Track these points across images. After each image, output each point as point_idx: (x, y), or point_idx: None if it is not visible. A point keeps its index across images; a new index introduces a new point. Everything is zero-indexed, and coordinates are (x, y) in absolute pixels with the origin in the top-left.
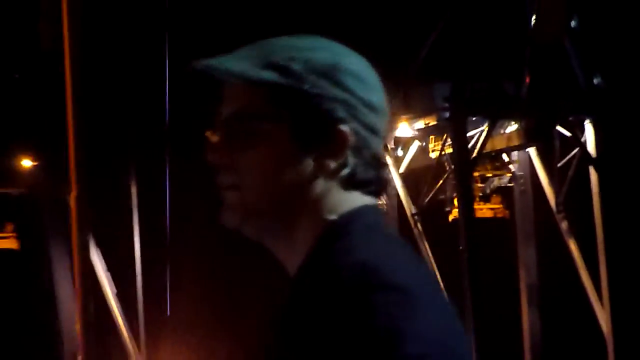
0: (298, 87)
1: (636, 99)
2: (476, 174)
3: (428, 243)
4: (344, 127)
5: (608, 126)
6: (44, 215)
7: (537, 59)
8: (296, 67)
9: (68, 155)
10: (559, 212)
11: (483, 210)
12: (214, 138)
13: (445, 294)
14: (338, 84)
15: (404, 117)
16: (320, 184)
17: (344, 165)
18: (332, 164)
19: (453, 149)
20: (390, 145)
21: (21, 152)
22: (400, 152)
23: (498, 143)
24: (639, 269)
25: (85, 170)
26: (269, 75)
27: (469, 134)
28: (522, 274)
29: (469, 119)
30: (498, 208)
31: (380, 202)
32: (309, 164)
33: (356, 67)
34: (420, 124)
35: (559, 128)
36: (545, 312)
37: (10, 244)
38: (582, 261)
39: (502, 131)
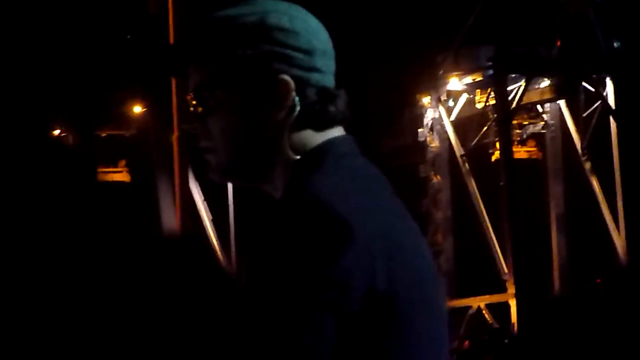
0: (234, 53)
1: None
2: (515, 122)
3: (474, 180)
4: (283, 76)
5: (625, 83)
6: (151, 152)
7: (566, 26)
8: (229, 36)
9: (172, 103)
10: (583, 154)
11: (520, 152)
12: (188, 109)
13: (412, 222)
14: (268, 40)
15: (454, 73)
16: (279, 131)
17: (293, 107)
18: (283, 110)
19: (496, 101)
20: (443, 97)
21: (133, 100)
22: (451, 103)
23: (533, 96)
24: None
25: (185, 116)
26: (208, 49)
27: (509, 89)
28: (552, 206)
29: (509, 76)
30: (533, 150)
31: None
32: (265, 115)
33: (283, 20)
34: (469, 79)
35: (584, 84)
36: (571, 238)
37: (124, 177)
38: (603, 195)
39: (536, 86)
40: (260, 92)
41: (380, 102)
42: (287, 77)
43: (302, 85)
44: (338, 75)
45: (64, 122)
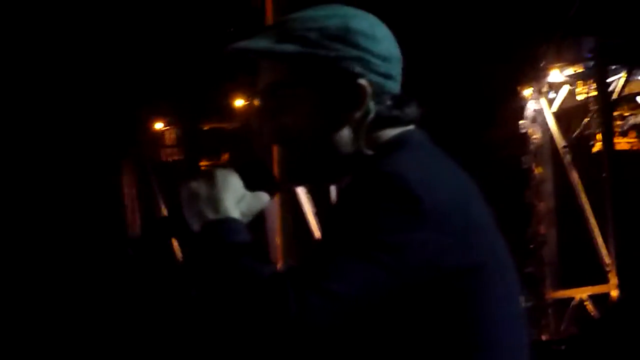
0: (316, 53)
1: None
2: (616, 113)
3: (576, 171)
4: (362, 81)
5: None
6: (253, 145)
7: None
8: (312, 36)
9: None
10: None
11: (621, 143)
12: (257, 107)
13: (483, 203)
14: (351, 44)
15: (556, 65)
16: (353, 132)
17: (368, 112)
18: (358, 113)
19: (597, 92)
20: (544, 89)
21: (234, 93)
22: (552, 95)
23: (634, 87)
24: None
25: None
26: (290, 47)
27: (610, 80)
28: None
29: (610, 68)
30: (634, 142)
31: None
32: (339, 117)
33: (365, 26)
34: (570, 71)
35: None
36: None
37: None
38: None
39: (638, 78)
40: (339, 94)
41: (482, 94)
42: (365, 82)
43: (378, 91)
44: (441, 68)
45: (168, 116)
